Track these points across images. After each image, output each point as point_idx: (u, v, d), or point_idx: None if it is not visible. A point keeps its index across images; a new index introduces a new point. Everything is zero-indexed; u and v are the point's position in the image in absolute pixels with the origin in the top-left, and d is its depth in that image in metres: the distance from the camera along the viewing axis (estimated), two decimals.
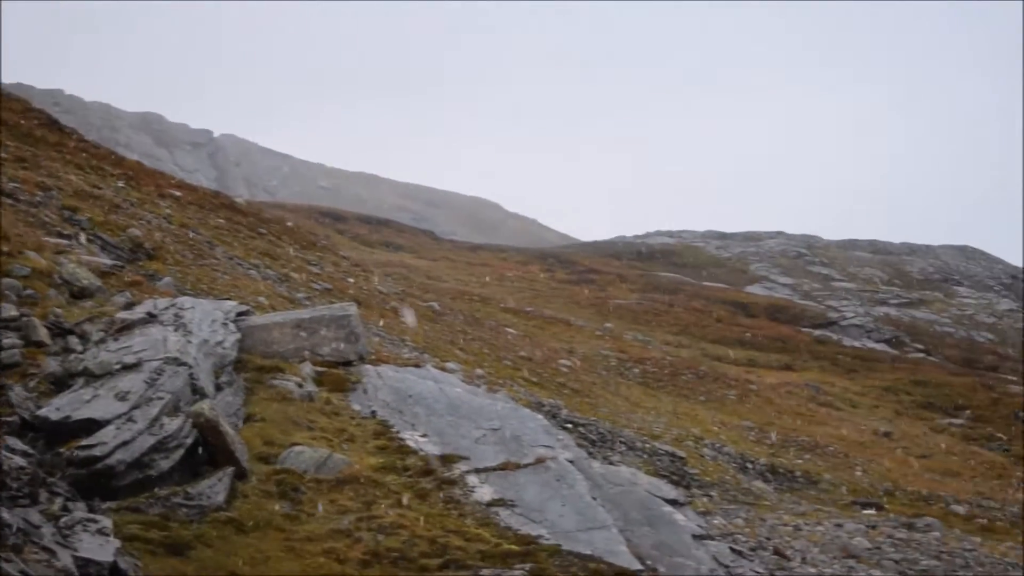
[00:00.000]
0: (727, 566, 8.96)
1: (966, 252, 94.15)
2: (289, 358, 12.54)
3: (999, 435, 33.17)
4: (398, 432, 10.94)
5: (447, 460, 10.28)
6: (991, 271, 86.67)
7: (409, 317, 23.69)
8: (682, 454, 18.41)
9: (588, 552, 8.39)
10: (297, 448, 10.01)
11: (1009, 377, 46.48)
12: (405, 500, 9.22)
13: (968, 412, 36.23)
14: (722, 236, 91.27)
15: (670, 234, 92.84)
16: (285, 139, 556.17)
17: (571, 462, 10.35)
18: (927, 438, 30.84)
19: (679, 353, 36.89)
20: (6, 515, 5.53)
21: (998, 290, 79.29)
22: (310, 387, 11.92)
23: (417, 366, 13.87)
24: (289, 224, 33.31)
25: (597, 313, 44.63)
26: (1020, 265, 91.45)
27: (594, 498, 9.51)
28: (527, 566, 7.98)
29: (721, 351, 40.92)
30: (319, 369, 12.56)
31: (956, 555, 14.37)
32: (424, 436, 10.80)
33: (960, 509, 20.54)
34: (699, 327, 45.86)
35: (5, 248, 11.82)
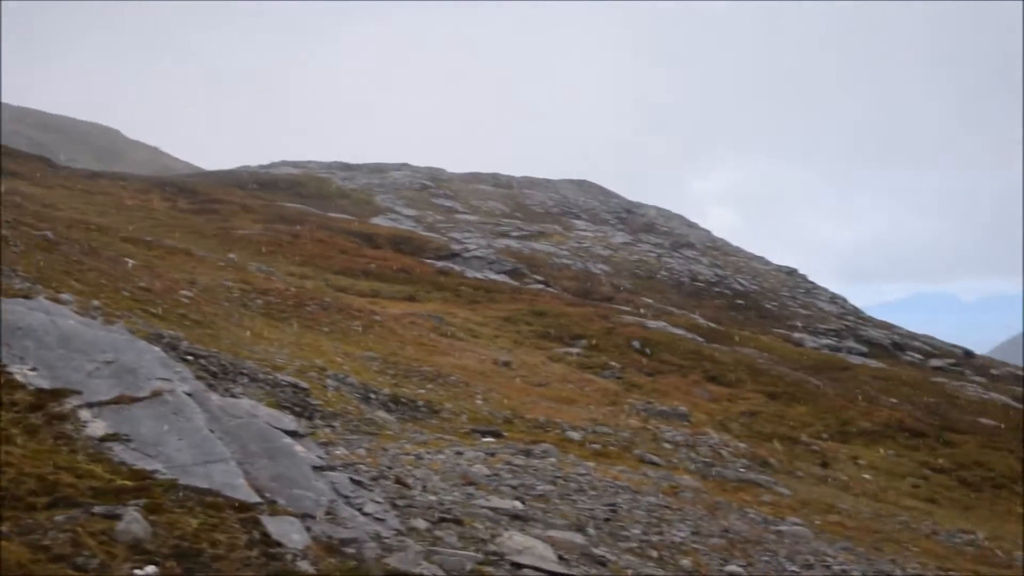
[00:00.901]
0: (347, 496, 8.86)
1: (584, 186, 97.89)
2: None
3: (613, 363, 34.63)
4: (5, 366, 10.27)
5: (58, 394, 9.71)
6: (607, 205, 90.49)
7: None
8: (305, 385, 18.23)
9: (205, 486, 8.11)
10: None
11: (623, 307, 48.64)
12: (13, 436, 8.66)
13: (584, 341, 37.63)
14: (347, 167, 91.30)
15: (295, 164, 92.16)
16: None
17: (189, 395, 9.99)
18: (545, 367, 31.82)
19: (303, 284, 36.58)
20: None
21: (613, 223, 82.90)
22: None
23: (27, 297, 13.09)
24: None
25: (220, 243, 43.72)
26: (634, 200, 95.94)
27: (212, 431, 9.22)
28: (141, 502, 7.63)
29: (346, 282, 40.91)
30: None
31: (571, 479, 14.85)
32: (33, 370, 10.16)
33: (576, 435, 21.28)
34: (324, 258, 45.66)
35: None
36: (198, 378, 13.09)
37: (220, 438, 9.13)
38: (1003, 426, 37.16)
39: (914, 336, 67.23)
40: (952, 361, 59.60)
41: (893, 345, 61.46)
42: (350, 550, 7.55)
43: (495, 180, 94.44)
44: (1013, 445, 33.47)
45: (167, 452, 8.63)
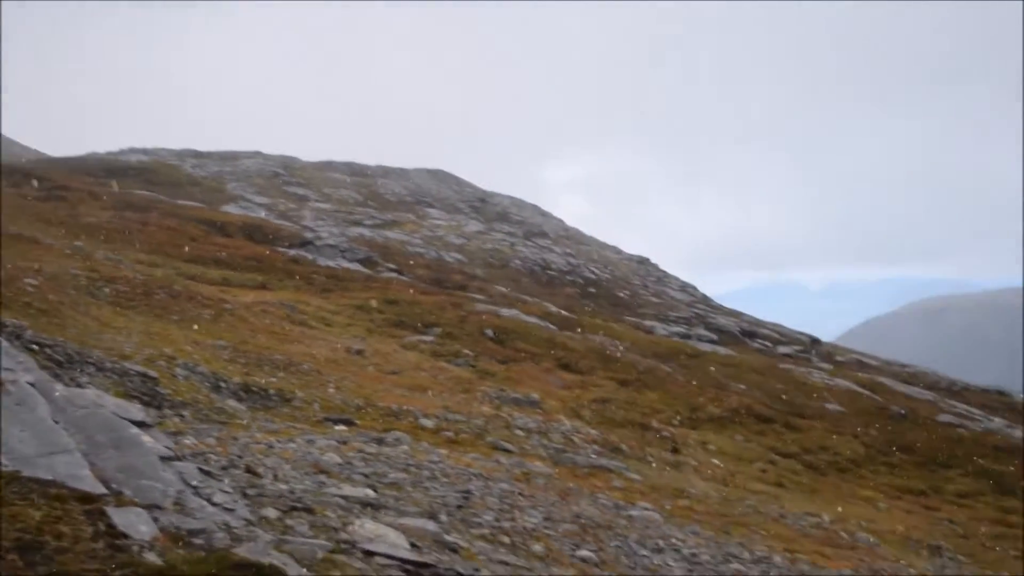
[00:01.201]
0: (196, 486, 8.75)
1: (438, 176, 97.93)
2: None
3: (466, 351, 34.69)
4: None
5: None
6: (461, 194, 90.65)
7: None
8: (154, 374, 17.92)
9: (49, 477, 7.94)
10: None
11: (476, 296, 48.75)
12: None
13: (437, 329, 37.63)
14: (198, 155, 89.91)
15: (145, 151, 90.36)
16: None
17: (32, 385, 9.77)
18: (398, 355, 31.74)
19: (152, 272, 35.91)
20: None
21: (467, 212, 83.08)
22: None
23: None
24: None
25: (68, 231, 42.70)
26: (487, 189, 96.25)
27: (56, 422, 9.03)
28: None
29: (196, 270, 40.28)
30: None
31: (423, 467, 14.85)
32: None
33: (428, 423, 21.28)
34: (173, 246, 44.88)
35: None
36: (43, 368, 12.80)
37: (65, 429, 8.95)
38: (848, 411, 38.18)
39: (762, 324, 68.64)
40: (799, 348, 60.98)
41: (742, 332, 62.64)
42: (199, 541, 7.47)
43: (349, 169, 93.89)
44: (857, 430, 34.42)
45: (9, 444, 8.43)
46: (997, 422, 41.84)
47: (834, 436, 33.17)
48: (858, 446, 32.51)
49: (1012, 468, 32.24)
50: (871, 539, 20.73)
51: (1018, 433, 39.61)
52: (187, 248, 44.67)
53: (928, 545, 22.11)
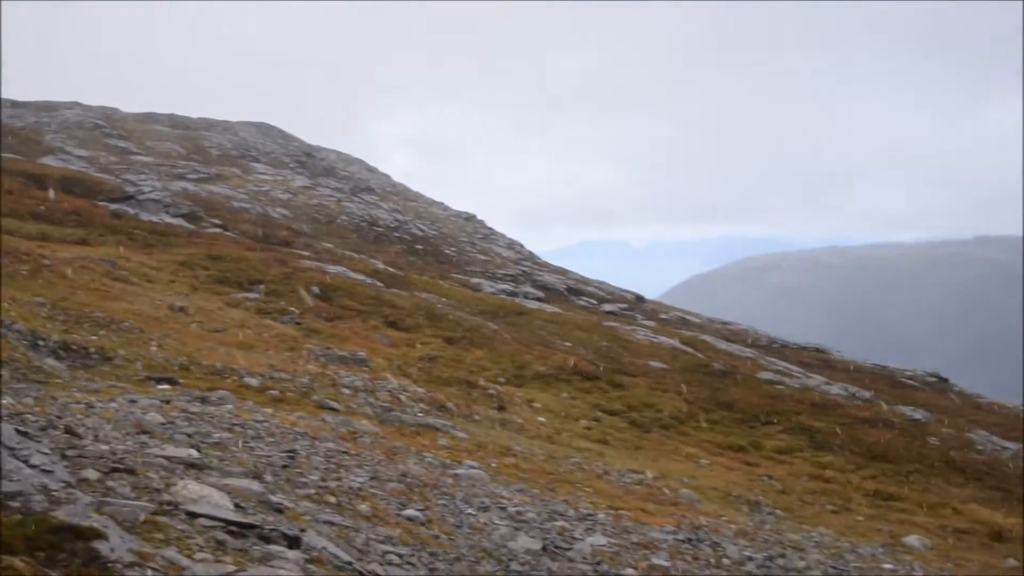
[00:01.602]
0: (12, 448, 8.52)
1: (263, 129, 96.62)
2: None
3: (292, 308, 34.42)
4: None
5: None
6: (287, 148, 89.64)
7: None
8: None
9: None
10: None
11: (302, 252, 48.39)
12: None
13: (262, 286, 37.24)
14: (15, 104, 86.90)
15: None
16: None
17: None
18: (222, 312, 31.31)
19: None
20: None
21: (293, 167, 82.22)
22: None
23: None
24: None
25: None
26: (314, 143, 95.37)
27: None
28: None
29: (12, 224, 39.06)
30: None
31: (248, 426, 14.69)
32: None
33: (253, 381, 21.05)
34: None
35: None
36: None
37: None
38: (671, 368, 38.98)
39: (588, 281, 69.57)
40: (624, 306, 62.03)
41: (568, 290, 63.42)
42: (15, 504, 7.28)
43: (172, 121, 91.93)
44: (680, 387, 35.16)
45: None
46: (815, 379, 43.19)
47: (658, 393, 33.84)
48: (681, 403, 33.24)
49: (829, 424, 33.33)
50: (693, 495, 21.23)
51: (835, 389, 40.93)
52: (3, 201, 43.27)
53: (748, 500, 22.74)
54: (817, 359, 53.87)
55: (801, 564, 15.76)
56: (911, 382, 50.42)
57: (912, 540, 20.86)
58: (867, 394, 41.14)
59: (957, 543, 22.30)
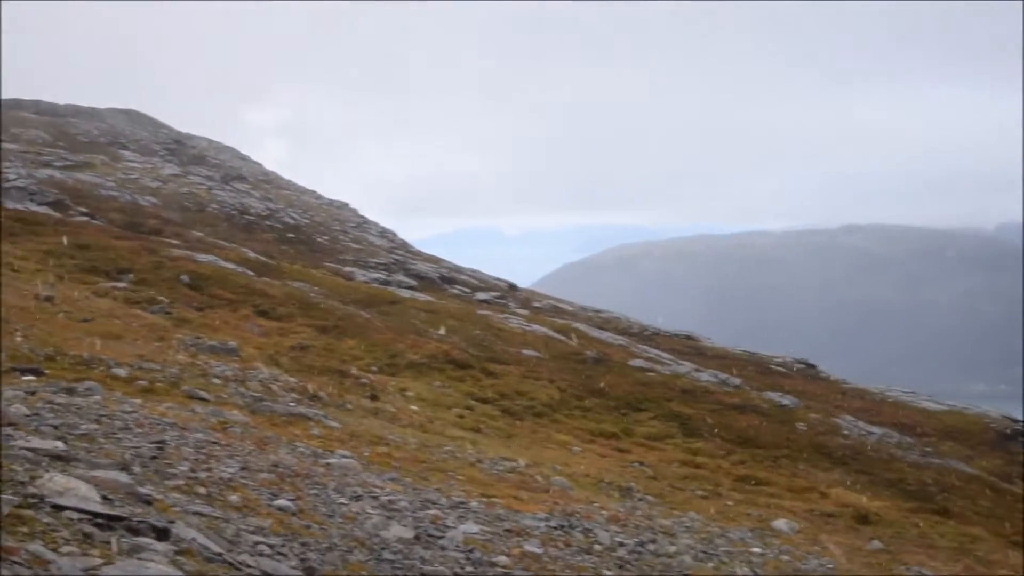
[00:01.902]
0: None
1: (132, 116, 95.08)
2: None
3: (161, 298, 33.97)
4: None
5: None
6: (156, 136, 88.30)
7: None
8: None
9: None
10: None
11: (172, 241, 47.74)
12: None
13: (131, 275, 36.70)
14: None
15: None
16: None
17: None
18: (90, 302, 30.80)
19: None
20: None
21: (163, 155, 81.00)
22: None
23: None
24: None
25: None
26: (184, 131, 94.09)
27: None
28: None
29: None
30: None
31: (116, 417, 14.49)
32: None
33: (122, 372, 20.77)
34: None
35: None
36: None
37: None
38: (544, 356, 39.27)
39: (461, 270, 69.68)
40: (497, 294, 62.22)
41: (441, 279, 63.43)
42: None
43: (37, 107, 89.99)
44: (553, 375, 35.45)
45: None
46: (686, 366, 43.84)
47: (530, 381, 34.09)
48: (554, 391, 33.52)
49: (699, 411, 33.89)
50: (565, 482, 21.44)
51: (705, 376, 41.61)
52: None
53: (619, 487, 23.04)
54: (688, 346, 54.68)
55: (672, 549, 16.03)
56: (780, 368, 51.49)
57: (780, 524, 21.33)
58: (737, 381, 41.91)
59: (824, 526, 22.86)
